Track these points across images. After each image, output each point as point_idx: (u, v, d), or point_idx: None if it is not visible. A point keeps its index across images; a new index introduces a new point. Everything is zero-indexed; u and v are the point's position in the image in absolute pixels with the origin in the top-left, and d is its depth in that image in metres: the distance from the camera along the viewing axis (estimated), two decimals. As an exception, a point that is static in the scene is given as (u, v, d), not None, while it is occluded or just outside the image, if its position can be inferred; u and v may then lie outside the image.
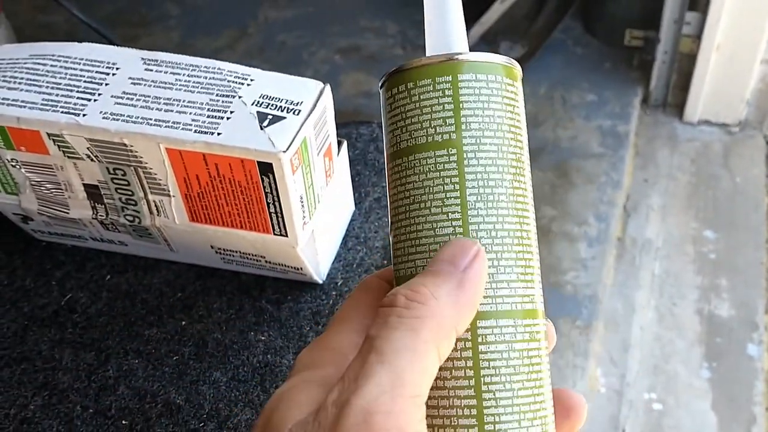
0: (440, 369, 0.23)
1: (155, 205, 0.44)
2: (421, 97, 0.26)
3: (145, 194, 0.43)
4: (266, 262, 0.46)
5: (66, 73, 0.43)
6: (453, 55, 0.26)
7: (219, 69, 0.43)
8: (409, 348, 0.22)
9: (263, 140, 0.39)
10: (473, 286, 0.23)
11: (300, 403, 0.23)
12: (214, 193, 0.41)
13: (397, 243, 0.26)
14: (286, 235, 0.42)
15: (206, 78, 0.42)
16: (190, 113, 0.40)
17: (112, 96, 0.41)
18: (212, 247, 0.46)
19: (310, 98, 0.41)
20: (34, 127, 0.41)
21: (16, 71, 0.43)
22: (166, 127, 0.40)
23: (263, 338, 0.45)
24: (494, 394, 0.24)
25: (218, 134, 0.39)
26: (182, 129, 0.39)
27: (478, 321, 0.24)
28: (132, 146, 0.40)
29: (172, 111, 0.40)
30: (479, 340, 0.24)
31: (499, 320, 0.24)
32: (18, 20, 1.79)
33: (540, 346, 0.25)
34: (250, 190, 0.40)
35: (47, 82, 0.42)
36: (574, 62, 1.75)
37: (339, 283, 0.48)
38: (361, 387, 0.21)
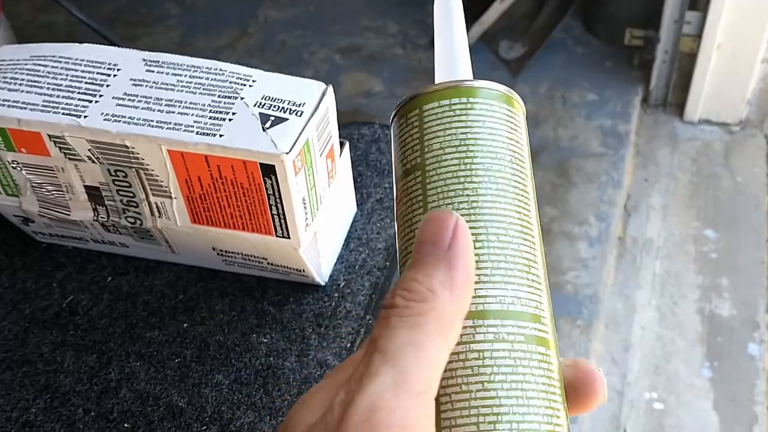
0: (446, 369, 0.23)
1: (157, 207, 0.43)
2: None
3: (147, 196, 0.43)
4: (268, 263, 0.46)
5: (67, 75, 0.42)
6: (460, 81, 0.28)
7: (221, 70, 0.42)
8: (413, 344, 0.22)
9: (266, 142, 0.38)
10: (463, 264, 0.23)
11: (313, 407, 0.23)
12: (216, 195, 0.41)
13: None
14: (289, 237, 0.42)
15: (208, 79, 0.42)
16: (192, 115, 0.40)
17: (113, 97, 0.41)
18: (214, 248, 0.46)
19: (313, 99, 0.41)
20: (35, 129, 0.41)
21: (16, 72, 0.43)
22: (167, 128, 0.39)
23: (265, 340, 0.45)
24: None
25: (220, 136, 0.39)
26: (184, 131, 0.39)
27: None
28: (133, 148, 0.40)
29: (173, 112, 0.40)
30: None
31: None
32: (18, 20, 1.79)
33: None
34: (253, 191, 0.40)
35: (48, 84, 0.42)
36: (574, 61, 1.75)
37: (341, 285, 0.48)
38: (365, 386, 0.21)
